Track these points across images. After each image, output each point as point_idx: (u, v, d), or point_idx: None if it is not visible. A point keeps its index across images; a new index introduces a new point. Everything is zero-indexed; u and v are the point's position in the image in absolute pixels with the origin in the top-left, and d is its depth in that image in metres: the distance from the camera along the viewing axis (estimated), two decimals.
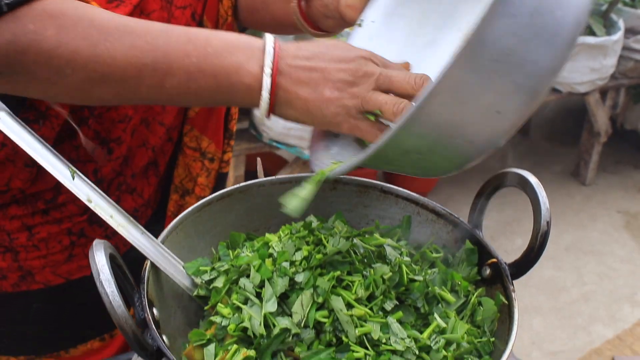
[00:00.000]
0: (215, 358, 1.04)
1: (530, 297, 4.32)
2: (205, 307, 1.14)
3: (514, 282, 1.13)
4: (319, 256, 1.08)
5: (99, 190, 1.10)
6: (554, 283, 4.48)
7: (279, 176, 1.28)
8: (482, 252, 1.20)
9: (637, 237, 4.99)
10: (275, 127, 3.73)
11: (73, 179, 1.09)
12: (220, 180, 1.81)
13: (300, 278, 1.05)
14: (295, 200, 1.06)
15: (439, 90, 0.79)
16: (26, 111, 1.33)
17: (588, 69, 4.75)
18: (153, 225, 1.66)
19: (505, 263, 1.15)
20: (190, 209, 1.21)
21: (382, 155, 0.91)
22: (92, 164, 1.50)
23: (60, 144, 1.44)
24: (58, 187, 1.48)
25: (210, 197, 1.24)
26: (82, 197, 1.09)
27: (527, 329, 4.08)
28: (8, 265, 1.53)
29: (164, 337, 1.01)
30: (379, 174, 4.67)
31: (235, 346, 1.03)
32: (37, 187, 1.45)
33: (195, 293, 1.15)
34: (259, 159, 1.39)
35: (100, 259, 0.93)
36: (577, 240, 4.90)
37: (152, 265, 1.09)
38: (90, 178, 1.50)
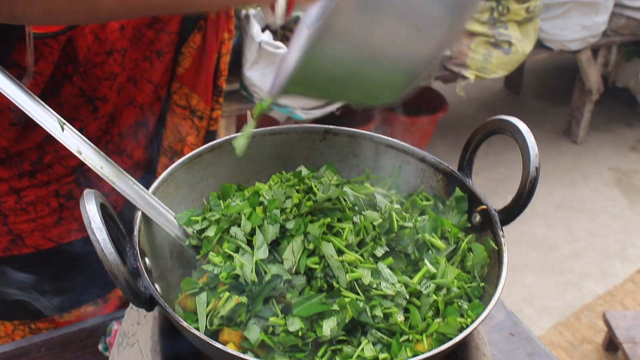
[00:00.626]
0: (207, 306, 1.05)
1: (522, 254, 4.35)
2: (197, 257, 1.14)
3: (503, 228, 1.14)
4: (309, 203, 1.08)
5: (89, 142, 1.10)
6: (546, 240, 4.51)
7: (269, 127, 1.28)
8: (472, 200, 1.20)
9: (628, 194, 5.01)
10: (266, 88, 3.71)
11: (63, 130, 1.08)
12: (209, 140, 1.81)
13: (290, 225, 1.06)
14: (240, 139, 1.07)
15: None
16: (8, 69, 1.32)
17: (579, 27, 4.73)
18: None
19: (494, 209, 1.16)
20: (180, 160, 1.21)
21: (307, 79, 0.88)
22: (77, 122, 1.49)
23: (45, 101, 1.43)
24: (43, 146, 1.47)
25: (201, 148, 1.23)
26: (73, 149, 1.08)
27: (518, 285, 4.11)
28: None
29: (157, 286, 1.02)
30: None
31: (227, 294, 1.04)
32: (22, 145, 1.44)
33: (187, 243, 1.15)
34: (249, 112, 1.39)
35: (90, 207, 0.93)
36: (569, 198, 4.93)
37: (144, 216, 1.09)
38: None
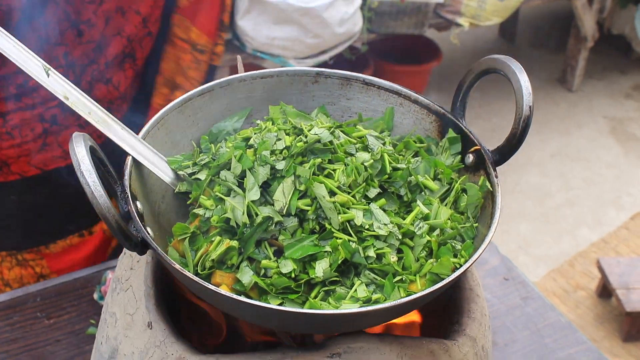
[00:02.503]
0: (197, 251, 1.05)
1: (517, 203, 4.36)
2: (188, 201, 1.13)
3: (497, 168, 1.13)
4: (300, 144, 1.07)
5: (75, 87, 1.08)
6: (540, 189, 4.52)
7: (260, 70, 1.26)
8: (465, 141, 1.19)
9: (623, 142, 5.01)
10: (259, 37, 3.68)
11: (48, 76, 1.06)
12: (211, 75, 1.80)
13: (281, 166, 1.05)
14: None
15: None
16: None
17: None
18: (130, 118, 1.64)
19: (488, 150, 1.15)
20: (171, 104, 1.19)
21: None
22: (62, 47, 1.48)
23: (30, 22, 1.41)
24: None
25: (192, 92, 1.22)
26: (59, 95, 1.07)
27: (513, 234, 4.13)
28: None
29: (149, 229, 1.01)
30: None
31: (218, 237, 1.03)
32: (7, 69, 1.44)
33: (177, 189, 1.14)
34: (239, 57, 1.37)
35: (80, 150, 0.92)
36: (563, 147, 4.92)
37: (134, 160, 1.08)
38: (60, 61, 1.48)
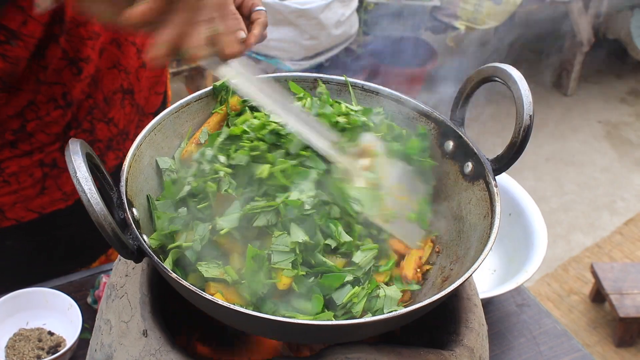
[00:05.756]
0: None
1: None
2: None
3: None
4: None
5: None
6: (535, 193, 4.51)
7: (256, 76, 1.25)
8: (465, 149, 1.18)
9: (618, 147, 5.02)
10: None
11: None
12: None
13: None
14: None
15: None
16: None
17: None
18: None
19: (487, 158, 1.14)
20: (168, 109, 1.18)
21: None
22: (59, 87, 1.46)
23: (30, 64, 1.40)
24: (24, 113, 1.44)
25: (189, 97, 1.21)
26: None
27: None
28: None
29: (145, 237, 1.00)
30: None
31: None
32: (3, 113, 1.41)
33: None
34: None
35: (76, 157, 0.91)
36: (558, 151, 4.93)
37: (131, 165, 1.07)
38: (59, 102, 1.47)
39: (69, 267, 1.72)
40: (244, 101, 1.20)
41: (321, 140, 1.09)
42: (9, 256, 1.62)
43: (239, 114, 1.19)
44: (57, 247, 1.67)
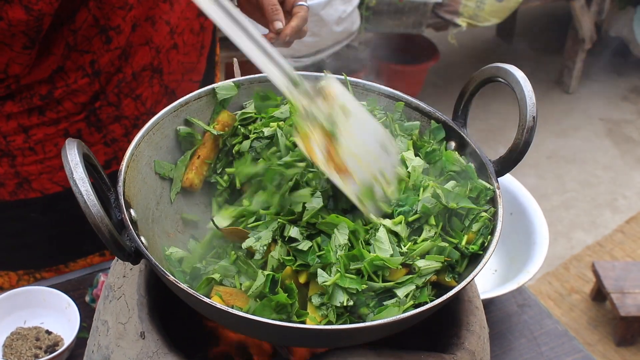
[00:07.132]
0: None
1: None
2: None
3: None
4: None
5: None
6: (536, 191, 4.48)
7: (258, 75, 1.24)
8: (467, 151, 1.17)
9: (619, 145, 5.00)
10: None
11: None
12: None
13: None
14: None
15: None
16: None
17: None
18: None
19: (489, 160, 1.13)
20: (166, 109, 1.17)
21: None
22: (89, 55, 1.46)
23: (60, 27, 1.39)
24: (54, 79, 1.44)
25: (188, 96, 1.20)
26: None
27: None
28: (5, 172, 1.50)
29: (142, 238, 0.99)
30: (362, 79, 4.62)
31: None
32: (33, 76, 1.41)
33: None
34: (235, 59, 1.35)
35: (73, 157, 0.90)
36: (560, 149, 4.91)
37: (128, 165, 1.06)
38: (87, 70, 1.47)
39: (92, 246, 1.71)
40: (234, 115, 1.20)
41: (280, 76, 1.08)
42: (33, 231, 1.62)
43: (234, 130, 1.20)
44: (79, 223, 1.67)
